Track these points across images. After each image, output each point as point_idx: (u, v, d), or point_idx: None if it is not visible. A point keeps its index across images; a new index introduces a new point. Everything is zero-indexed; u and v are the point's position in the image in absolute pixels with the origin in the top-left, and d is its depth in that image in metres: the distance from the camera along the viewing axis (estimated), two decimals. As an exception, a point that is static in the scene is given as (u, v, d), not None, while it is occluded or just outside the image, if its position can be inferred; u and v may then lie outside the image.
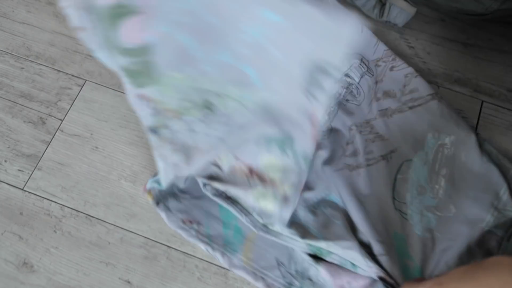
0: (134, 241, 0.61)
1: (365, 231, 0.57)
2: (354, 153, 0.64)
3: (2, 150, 0.66)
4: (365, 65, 0.69)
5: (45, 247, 0.61)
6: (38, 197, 0.64)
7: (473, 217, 0.59)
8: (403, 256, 0.58)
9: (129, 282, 0.59)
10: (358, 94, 0.68)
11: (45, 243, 0.61)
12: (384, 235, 0.58)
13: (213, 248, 0.58)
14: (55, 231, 0.62)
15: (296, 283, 0.57)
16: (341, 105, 0.67)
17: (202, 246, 0.59)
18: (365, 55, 0.70)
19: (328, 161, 0.63)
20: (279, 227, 0.56)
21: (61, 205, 0.63)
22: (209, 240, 0.59)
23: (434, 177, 0.63)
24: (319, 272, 0.56)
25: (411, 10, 0.72)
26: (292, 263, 0.58)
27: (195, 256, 0.61)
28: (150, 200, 0.60)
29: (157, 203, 0.60)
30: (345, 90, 0.68)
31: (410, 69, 0.69)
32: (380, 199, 0.61)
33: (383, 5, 0.73)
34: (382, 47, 0.71)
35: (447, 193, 0.62)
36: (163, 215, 0.60)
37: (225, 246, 0.59)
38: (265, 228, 0.57)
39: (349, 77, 0.68)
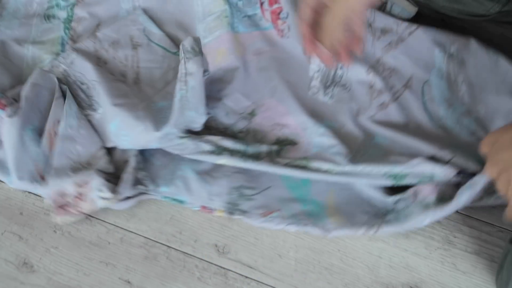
0: (134, 241, 0.61)
1: (424, 150, 0.60)
2: (380, 93, 0.67)
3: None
4: None
5: (45, 247, 0.61)
6: (38, 197, 0.64)
7: (500, 108, 0.64)
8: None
9: (129, 282, 0.59)
10: None
11: (45, 243, 0.61)
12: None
13: (304, 224, 0.60)
14: (55, 231, 0.62)
15: (391, 217, 0.59)
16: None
17: (291, 228, 0.60)
18: None
19: (358, 112, 0.67)
20: (349, 167, 0.60)
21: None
22: (295, 219, 0.60)
23: (454, 87, 0.67)
24: (408, 195, 0.59)
25: (411, 9, 0.72)
26: (377, 209, 0.61)
27: (195, 256, 0.61)
28: (222, 214, 0.61)
29: (232, 213, 0.61)
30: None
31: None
32: (419, 124, 0.65)
33: (383, 3, 0.73)
34: None
35: (471, 96, 0.66)
36: (245, 220, 0.60)
37: (311, 218, 0.60)
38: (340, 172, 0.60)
39: None
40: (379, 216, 0.60)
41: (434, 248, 0.60)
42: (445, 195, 0.57)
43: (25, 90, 0.62)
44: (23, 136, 0.61)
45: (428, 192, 0.57)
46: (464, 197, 0.55)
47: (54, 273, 0.60)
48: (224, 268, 0.60)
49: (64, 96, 0.65)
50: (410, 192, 0.59)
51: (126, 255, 0.61)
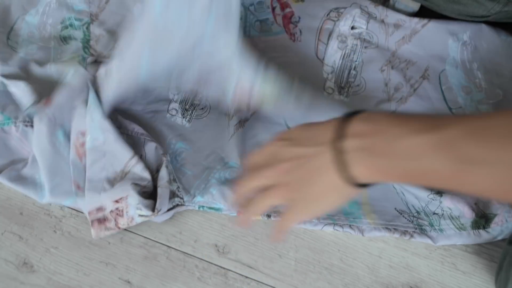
0: (134, 241, 0.61)
1: None
2: (397, 89, 0.68)
3: None
4: (365, 11, 0.72)
5: (45, 247, 0.61)
6: (38, 197, 0.64)
7: None
8: None
9: (129, 282, 0.59)
10: (371, 38, 0.71)
11: (45, 243, 0.61)
12: None
13: (340, 226, 0.60)
14: (55, 231, 0.62)
15: (424, 222, 0.60)
16: (362, 54, 0.70)
17: (329, 228, 0.60)
18: (361, 2, 0.73)
19: (377, 107, 0.68)
20: None
21: (61, 205, 0.63)
22: (332, 220, 0.61)
23: (470, 74, 0.68)
24: (442, 203, 0.60)
25: (414, 5, 0.73)
26: (411, 207, 0.61)
27: (195, 256, 0.61)
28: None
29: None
30: (358, 40, 0.71)
31: None
32: (439, 113, 0.66)
33: (386, 0, 0.74)
34: None
35: (488, 82, 0.68)
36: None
37: (348, 219, 0.61)
38: None
39: (356, 28, 0.71)
40: (412, 216, 0.60)
41: (434, 248, 0.60)
42: (481, 215, 0.59)
43: (56, 93, 0.61)
44: (55, 142, 0.60)
45: (465, 211, 0.59)
46: (498, 233, 0.58)
47: (54, 273, 0.60)
48: (224, 268, 0.60)
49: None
50: (446, 202, 0.60)
51: (126, 255, 0.61)
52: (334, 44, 0.70)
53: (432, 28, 0.71)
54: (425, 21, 0.71)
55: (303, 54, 0.70)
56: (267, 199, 0.46)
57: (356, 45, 0.70)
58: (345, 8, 0.72)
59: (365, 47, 0.70)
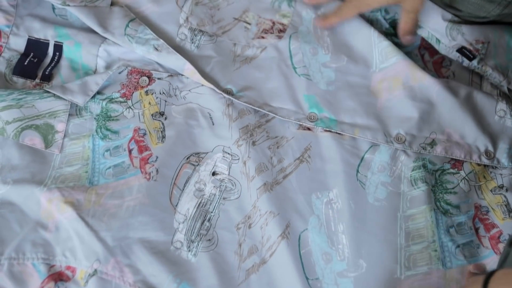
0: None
1: None
2: (251, 251, 0.61)
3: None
4: (228, 153, 0.66)
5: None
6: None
7: (385, 270, 0.59)
8: None
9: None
10: (234, 185, 0.64)
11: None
12: None
13: None
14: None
15: None
16: (221, 210, 0.63)
17: None
18: (225, 144, 0.66)
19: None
20: None
21: None
22: None
23: (334, 238, 0.61)
24: None
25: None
26: None
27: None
28: None
29: None
30: (218, 190, 0.64)
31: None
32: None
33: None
34: (236, 133, 0.67)
35: (352, 249, 0.60)
36: None
37: None
38: None
39: (218, 174, 0.65)
40: None
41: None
42: None
43: None
44: None
45: None
46: None
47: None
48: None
49: None
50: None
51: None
52: (190, 191, 0.64)
53: (294, 179, 0.64)
54: (288, 171, 0.65)
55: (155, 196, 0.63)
56: None
57: (215, 195, 0.64)
58: (206, 153, 0.66)
59: (224, 198, 0.64)
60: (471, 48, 0.68)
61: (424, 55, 0.73)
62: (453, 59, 0.70)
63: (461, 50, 0.68)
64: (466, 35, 0.68)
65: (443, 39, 0.69)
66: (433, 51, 0.72)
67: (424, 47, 0.73)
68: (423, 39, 0.73)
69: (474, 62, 0.67)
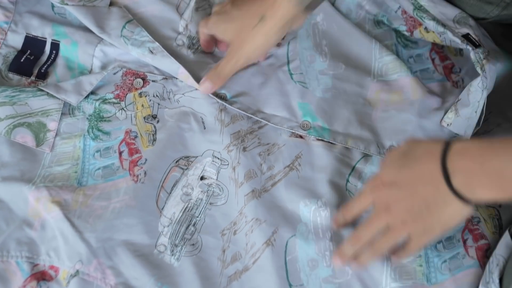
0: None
1: None
2: (234, 258, 0.60)
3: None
4: (218, 158, 0.65)
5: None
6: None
7: (370, 278, 0.59)
8: None
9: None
10: (221, 191, 0.64)
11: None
12: None
13: None
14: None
15: None
16: (206, 215, 0.62)
17: None
18: (215, 148, 0.66)
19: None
20: None
21: None
22: None
23: (322, 245, 0.60)
24: None
25: None
26: None
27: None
28: None
29: None
30: (205, 195, 0.63)
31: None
32: None
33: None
34: (227, 138, 0.66)
35: None
36: None
37: None
38: None
39: (206, 178, 0.64)
40: None
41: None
42: None
43: None
44: None
45: None
46: None
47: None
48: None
49: None
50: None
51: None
52: (177, 195, 0.63)
53: (283, 187, 0.63)
54: (281, 175, 0.64)
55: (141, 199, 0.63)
56: (390, 239, 0.54)
57: (201, 199, 0.63)
58: (196, 157, 0.66)
59: (210, 204, 0.63)
60: (477, 38, 0.66)
61: (435, 59, 0.73)
62: (458, 48, 0.70)
63: (467, 36, 0.66)
64: (473, 28, 0.67)
65: (449, 23, 0.67)
66: (443, 56, 0.73)
67: (435, 51, 0.73)
68: (434, 44, 0.73)
69: (479, 52, 0.65)
